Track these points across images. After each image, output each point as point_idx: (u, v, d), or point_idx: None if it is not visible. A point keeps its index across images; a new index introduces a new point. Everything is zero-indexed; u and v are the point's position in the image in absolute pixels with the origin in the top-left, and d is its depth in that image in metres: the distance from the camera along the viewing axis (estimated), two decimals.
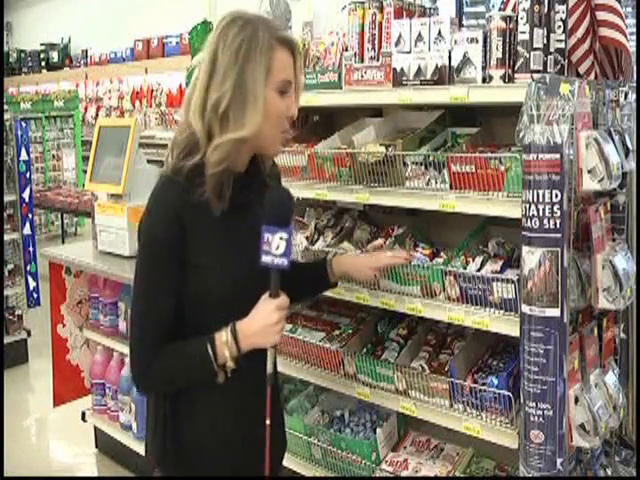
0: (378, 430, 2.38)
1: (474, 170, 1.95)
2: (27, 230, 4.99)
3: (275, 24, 1.50)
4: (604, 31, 2.00)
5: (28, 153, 5.06)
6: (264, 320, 1.44)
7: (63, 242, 8.01)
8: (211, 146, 1.43)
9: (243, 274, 1.50)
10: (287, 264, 1.43)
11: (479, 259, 2.08)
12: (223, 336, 1.45)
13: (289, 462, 2.41)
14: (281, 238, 1.42)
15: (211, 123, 1.43)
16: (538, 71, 1.83)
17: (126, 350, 3.17)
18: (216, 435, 1.56)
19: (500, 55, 1.90)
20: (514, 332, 1.85)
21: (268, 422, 1.46)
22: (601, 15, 2.00)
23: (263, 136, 1.47)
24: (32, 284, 5.06)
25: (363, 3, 2.31)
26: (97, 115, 10.48)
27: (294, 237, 2.38)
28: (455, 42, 1.99)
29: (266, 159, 1.62)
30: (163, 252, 1.46)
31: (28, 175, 5.05)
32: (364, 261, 2.00)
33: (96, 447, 3.59)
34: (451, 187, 2.01)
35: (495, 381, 2.00)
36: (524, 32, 1.85)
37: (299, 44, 1.53)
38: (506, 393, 1.94)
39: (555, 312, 1.70)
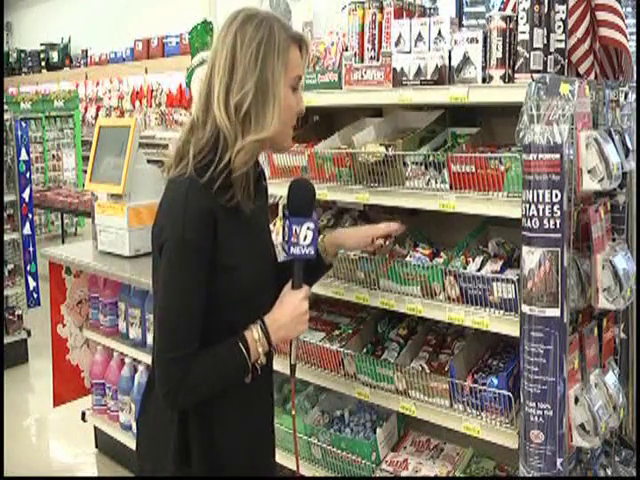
0: (378, 430, 2.38)
1: (474, 170, 1.95)
2: (27, 230, 4.99)
3: (285, 22, 1.53)
4: (604, 31, 2.00)
5: (28, 153, 5.06)
6: (294, 311, 1.49)
7: (63, 242, 8.01)
8: (235, 148, 1.42)
9: (267, 270, 1.56)
10: (314, 253, 1.50)
11: (479, 259, 2.08)
12: (254, 333, 1.46)
13: (289, 462, 2.41)
14: (308, 228, 1.47)
15: (234, 124, 1.42)
16: (538, 71, 1.83)
17: (126, 350, 3.17)
18: (237, 439, 1.55)
19: (500, 55, 1.90)
20: (514, 332, 1.85)
21: (294, 412, 1.56)
22: (601, 15, 2.00)
23: (278, 133, 1.48)
24: (32, 284, 5.06)
25: (363, 3, 2.30)
26: (97, 115, 10.48)
27: None
28: (455, 42, 1.99)
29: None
30: (195, 254, 1.40)
31: (28, 175, 5.05)
32: (359, 232, 1.99)
33: (96, 447, 3.59)
34: (451, 187, 2.01)
35: (495, 381, 2.00)
36: (524, 32, 1.85)
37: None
38: (506, 393, 1.94)
39: (555, 312, 1.70)
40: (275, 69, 1.43)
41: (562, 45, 1.90)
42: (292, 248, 1.48)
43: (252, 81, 1.41)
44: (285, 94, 1.47)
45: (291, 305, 1.49)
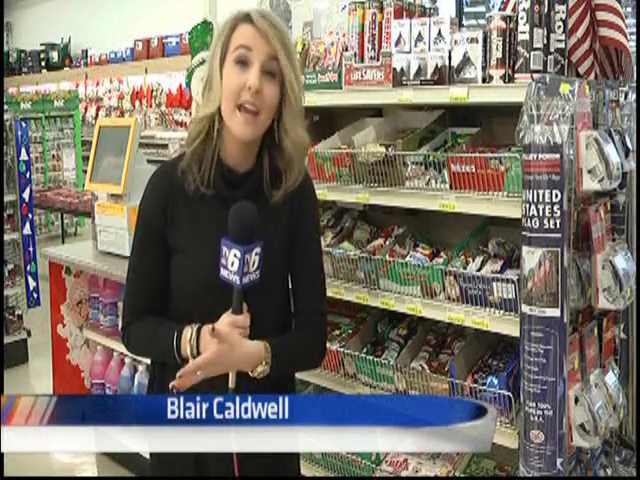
0: None
1: (474, 170, 1.95)
2: (27, 230, 4.98)
3: (255, 9, 1.49)
4: (604, 31, 2.00)
5: (28, 153, 5.05)
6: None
7: (63, 242, 8.00)
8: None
9: (214, 263, 1.43)
10: (239, 284, 1.37)
11: (479, 259, 2.08)
12: (189, 333, 1.45)
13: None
14: (235, 255, 1.36)
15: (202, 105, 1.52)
16: (538, 71, 1.83)
17: (126, 351, 3.17)
18: None
19: (500, 55, 1.90)
20: (514, 332, 1.85)
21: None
22: (601, 15, 2.00)
23: (223, 114, 1.47)
24: (32, 284, 5.05)
25: (363, 3, 2.30)
26: (97, 115, 10.47)
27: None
28: (455, 42, 1.99)
29: (284, 171, 1.53)
30: (147, 228, 1.56)
31: (28, 175, 5.04)
32: None
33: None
34: (451, 187, 2.01)
35: (495, 381, 2.00)
36: (524, 32, 1.85)
37: (268, 23, 1.45)
38: (506, 393, 1.94)
39: (555, 312, 1.70)
40: (215, 51, 1.48)
41: (562, 45, 1.90)
42: (221, 269, 1.39)
43: (207, 70, 1.51)
44: (225, 70, 1.45)
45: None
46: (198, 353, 1.43)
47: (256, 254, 1.39)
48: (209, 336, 1.39)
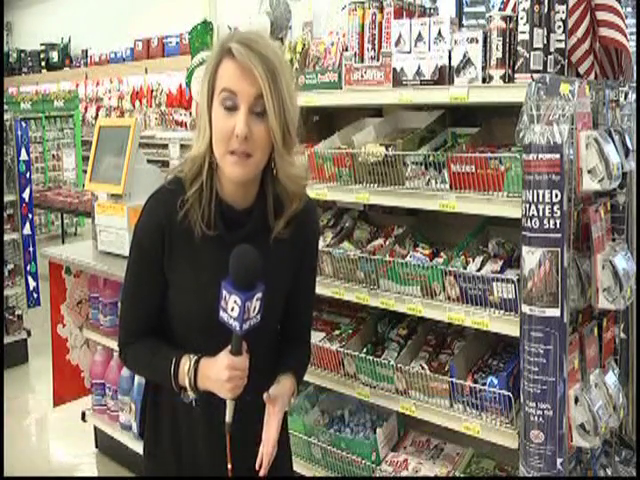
0: (378, 430, 2.38)
1: (474, 170, 1.95)
2: (27, 230, 4.98)
3: (239, 37, 1.37)
4: (604, 31, 2.00)
5: (28, 153, 5.05)
6: (216, 373, 1.39)
7: (63, 242, 8.00)
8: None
9: (213, 304, 1.38)
10: (239, 330, 1.33)
11: (479, 259, 2.08)
12: (186, 364, 1.44)
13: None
14: (235, 302, 1.31)
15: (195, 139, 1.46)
16: (538, 71, 1.83)
17: None
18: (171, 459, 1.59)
19: (500, 55, 1.90)
20: (514, 332, 1.85)
21: (229, 467, 1.43)
22: (601, 15, 2.00)
23: (216, 155, 1.39)
24: (32, 284, 5.05)
25: (363, 3, 2.31)
26: (97, 115, 10.47)
27: None
28: (455, 42, 1.99)
29: (285, 205, 1.48)
30: (144, 258, 1.49)
31: (28, 175, 5.05)
32: None
33: (96, 447, 3.59)
34: (451, 187, 2.01)
35: (495, 381, 2.00)
36: (524, 32, 1.85)
37: (257, 49, 1.34)
38: (506, 393, 1.94)
39: (555, 312, 1.70)
40: (202, 92, 1.40)
41: (562, 45, 1.90)
42: (221, 312, 1.34)
43: (198, 102, 1.45)
44: (214, 113, 1.37)
45: (217, 367, 1.39)
46: (196, 385, 1.44)
47: (257, 299, 1.33)
48: (222, 359, 1.39)
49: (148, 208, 1.49)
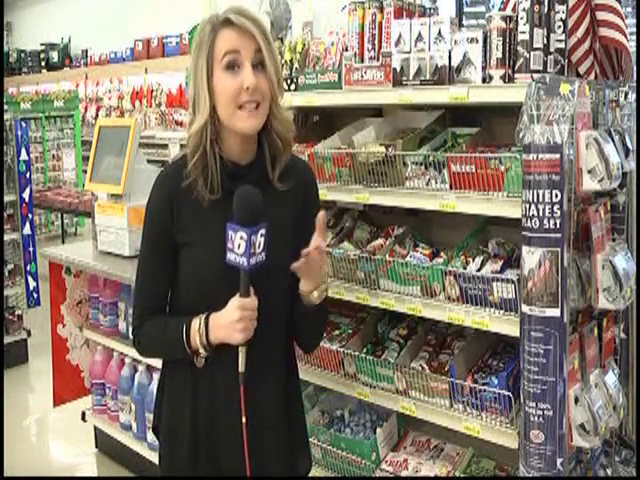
0: (378, 430, 2.38)
1: (474, 170, 1.95)
2: (27, 230, 4.99)
3: (230, 10, 1.52)
4: (604, 31, 2.00)
5: (28, 153, 5.06)
6: (228, 316, 1.48)
7: (63, 242, 8.00)
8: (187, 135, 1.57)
9: (222, 257, 1.48)
10: (247, 265, 1.42)
11: (479, 259, 2.08)
12: (197, 323, 1.52)
13: None
14: (241, 237, 1.41)
15: (191, 117, 1.58)
16: (538, 71, 1.83)
17: (126, 350, 3.17)
18: (182, 421, 1.63)
19: (500, 55, 1.90)
20: (514, 332, 1.85)
21: (244, 420, 1.48)
22: (601, 15, 2.00)
23: (223, 118, 1.53)
24: (32, 284, 5.05)
25: (363, 3, 2.30)
26: (97, 115, 10.46)
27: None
28: (455, 42, 1.99)
29: (278, 154, 1.61)
30: (155, 230, 1.60)
31: (28, 175, 5.05)
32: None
33: (96, 447, 3.59)
34: (451, 187, 2.01)
35: (495, 381, 2.00)
36: (524, 32, 1.85)
37: (258, 25, 1.51)
38: (506, 393, 1.94)
39: (555, 312, 1.70)
40: (199, 61, 1.52)
41: (562, 45, 1.90)
42: (228, 253, 1.43)
43: (191, 80, 1.56)
44: (216, 79, 1.50)
45: (228, 310, 1.48)
46: (208, 342, 1.51)
47: (261, 235, 1.43)
48: (233, 301, 1.47)
49: (156, 184, 1.62)
